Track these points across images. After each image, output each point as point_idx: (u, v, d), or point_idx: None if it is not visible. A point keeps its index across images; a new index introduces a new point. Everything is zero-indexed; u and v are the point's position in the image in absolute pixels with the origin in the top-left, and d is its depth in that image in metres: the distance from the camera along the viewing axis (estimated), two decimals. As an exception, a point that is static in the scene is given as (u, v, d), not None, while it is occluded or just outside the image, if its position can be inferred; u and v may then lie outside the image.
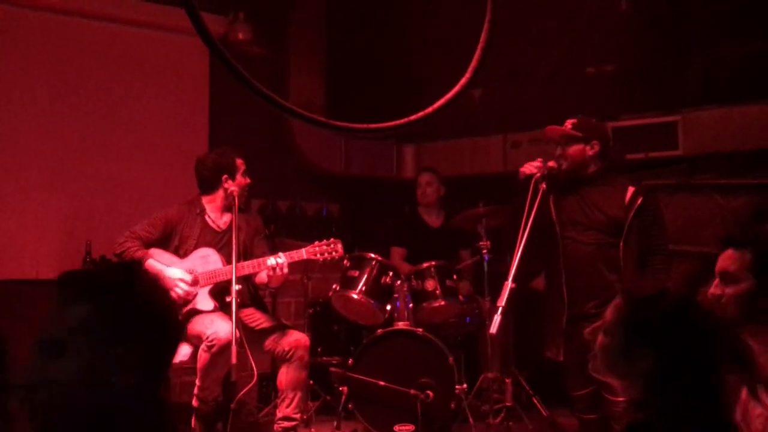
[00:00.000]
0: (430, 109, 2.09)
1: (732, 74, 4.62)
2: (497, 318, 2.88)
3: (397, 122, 2.11)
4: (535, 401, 4.53)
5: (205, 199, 3.95)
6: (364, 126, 2.07)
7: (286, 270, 3.66)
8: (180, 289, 3.67)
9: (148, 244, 3.79)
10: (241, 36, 5.03)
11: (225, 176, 3.88)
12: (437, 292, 4.28)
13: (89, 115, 4.78)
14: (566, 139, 3.46)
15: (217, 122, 5.25)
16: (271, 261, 3.65)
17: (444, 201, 5.17)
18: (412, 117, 2.09)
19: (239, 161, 3.93)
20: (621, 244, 3.32)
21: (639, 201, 3.33)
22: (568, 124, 3.48)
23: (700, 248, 4.54)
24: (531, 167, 3.41)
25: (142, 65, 4.98)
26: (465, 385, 4.14)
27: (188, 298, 3.71)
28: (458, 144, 5.81)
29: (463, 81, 2.11)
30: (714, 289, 2.12)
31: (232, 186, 3.85)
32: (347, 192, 5.93)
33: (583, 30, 5.16)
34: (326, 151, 5.60)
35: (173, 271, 3.71)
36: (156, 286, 1.30)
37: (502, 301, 2.92)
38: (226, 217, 3.94)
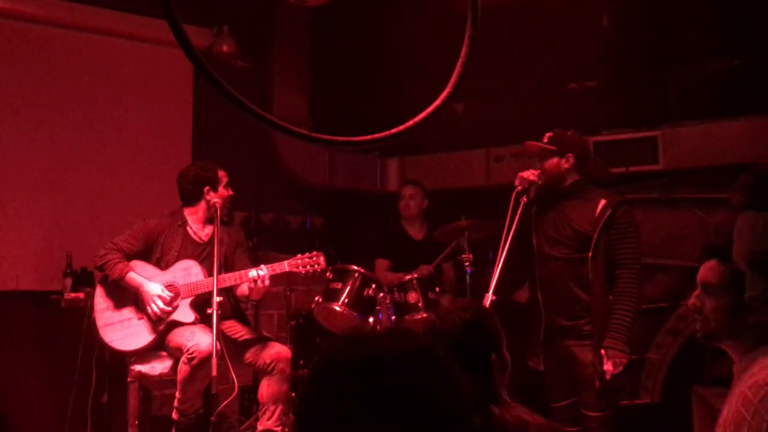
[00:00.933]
0: (410, 123, 2.11)
1: (711, 90, 4.70)
2: (478, 330, 2.89)
3: (378, 135, 2.13)
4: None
5: (186, 211, 3.95)
6: (347, 139, 2.09)
7: (267, 282, 3.66)
8: (156, 306, 3.65)
9: (130, 256, 3.77)
10: (225, 49, 5.05)
11: (207, 188, 3.89)
12: (419, 304, 4.29)
13: (71, 126, 4.76)
14: (542, 153, 3.49)
15: (201, 134, 5.25)
16: (253, 273, 3.65)
17: (427, 214, 5.19)
18: (393, 131, 2.11)
19: (221, 173, 3.94)
20: (589, 258, 3.31)
21: (607, 214, 3.31)
22: (545, 138, 3.52)
23: (680, 262, 4.59)
24: (531, 174, 3.40)
25: (125, 77, 4.98)
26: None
27: (162, 316, 3.69)
28: (442, 158, 5.85)
29: (443, 95, 2.13)
30: (694, 299, 2.07)
31: (214, 198, 3.86)
32: (331, 205, 5.94)
33: (565, 46, 5.22)
34: (310, 164, 5.62)
35: (153, 286, 3.69)
36: None
37: (483, 314, 2.93)
38: (208, 230, 3.94)
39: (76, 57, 4.81)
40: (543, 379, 3.51)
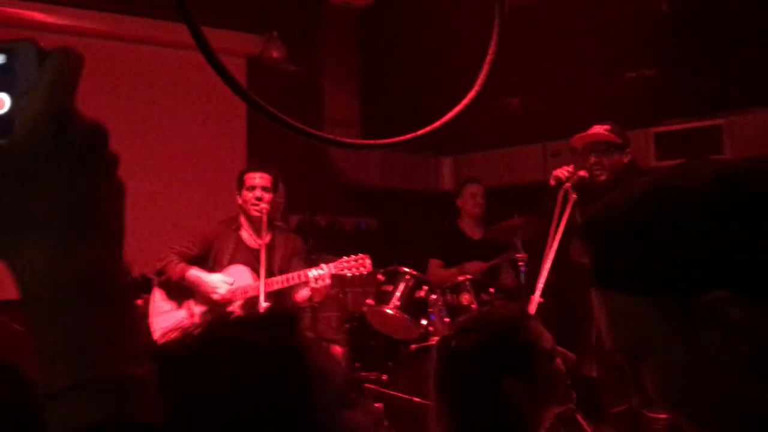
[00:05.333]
0: (437, 124, 2.06)
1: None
2: (523, 334, 2.81)
3: (406, 137, 2.10)
4: (578, 417, 4.39)
5: (242, 217, 3.99)
6: (369, 142, 2.05)
7: (328, 281, 3.62)
8: (222, 290, 3.70)
9: (188, 259, 3.85)
10: (275, 54, 5.10)
11: (238, 193, 3.93)
12: (473, 306, 4.20)
13: (129, 137, 4.90)
14: (606, 146, 3.33)
15: (255, 140, 5.32)
16: (313, 272, 3.62)
17: (486, 213, 5.10)
18: (420, 132, 2.07)
19: (248, 175, 3.89)
20: None
21: None
22: (601, 129, 3.36)
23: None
24: (564, 171, 3.29)
25: (180, 86, 5.10)
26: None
27: (229, 300, 3.74)
28: (497, 154, 5.75)
29: (471, 94, 2.08)
30: None
31: (239, 201, 3.90)
32: (385, 206, 5.92)
33: (623, 34, 5.05)
34: (363, 165, 5.61)
35: (214, 276, 3.76)
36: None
37: (529, 317, 2.85)
38: (266, 236, 3.95)
39: (135, 69, 4.96)
40: (597, 385, 3.39)
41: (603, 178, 3.30)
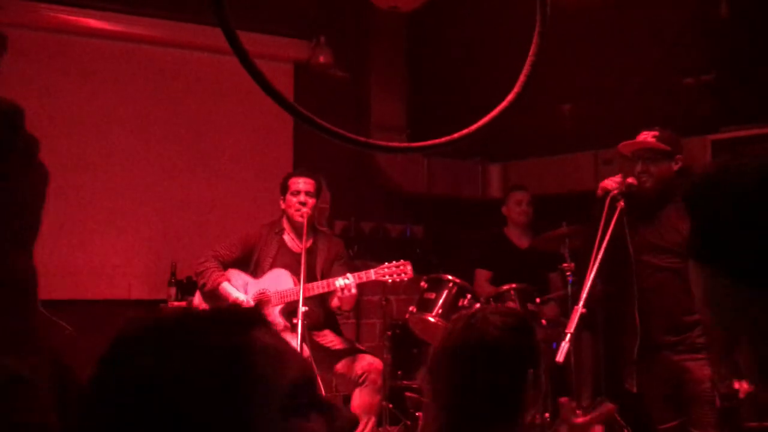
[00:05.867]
0: (477, 125, 2.00)
1: None
2: (564, 345, 2.72)
3: (441, 140, 2.04)
4: (628, 434, 4.24)
5: (284, 221, 4.00)
6: (404, 145, 2.01)
7: (354, 291, 3.63)
8: None
9: (228, 263, 3.88)
10: (322, 59, 5.10)
11: (281, 197, 3.94)
12: (518, 316, 4.10)
13: (177, 141, 4.98)
14: (653, 154, 3.23)
15: (301, 145, 5.33)
16: (339, 282, 3.62)
17: (534, 222, 4.99)
18: (455, 135, 2.01)
19: (292, 180, 3.93)
20: None
21: None
22: (649, 136, 3.24)
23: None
24: (612, 182, 3.19)
25: (227, 90, 5.14)
26: (547, 414, 3.94)
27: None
28: (547, 162, 5.62)
29: (510, 97, 2.01)
30: None
31: (283, 206, 3.89)
32: (431, 213, 5.85)
33: (680, 38, 4.88)
34: (409, 172, 5.56)
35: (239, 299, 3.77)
36: None
37: (571, 328, 2.75)
38: (308, 240, 3.95)
39: (182, 74, 5.03)
40: (641, 401, 3.26)
41: (649, 185, 3.19)
